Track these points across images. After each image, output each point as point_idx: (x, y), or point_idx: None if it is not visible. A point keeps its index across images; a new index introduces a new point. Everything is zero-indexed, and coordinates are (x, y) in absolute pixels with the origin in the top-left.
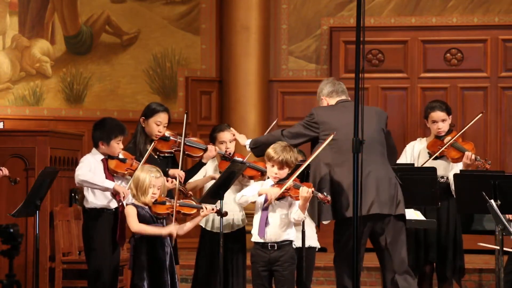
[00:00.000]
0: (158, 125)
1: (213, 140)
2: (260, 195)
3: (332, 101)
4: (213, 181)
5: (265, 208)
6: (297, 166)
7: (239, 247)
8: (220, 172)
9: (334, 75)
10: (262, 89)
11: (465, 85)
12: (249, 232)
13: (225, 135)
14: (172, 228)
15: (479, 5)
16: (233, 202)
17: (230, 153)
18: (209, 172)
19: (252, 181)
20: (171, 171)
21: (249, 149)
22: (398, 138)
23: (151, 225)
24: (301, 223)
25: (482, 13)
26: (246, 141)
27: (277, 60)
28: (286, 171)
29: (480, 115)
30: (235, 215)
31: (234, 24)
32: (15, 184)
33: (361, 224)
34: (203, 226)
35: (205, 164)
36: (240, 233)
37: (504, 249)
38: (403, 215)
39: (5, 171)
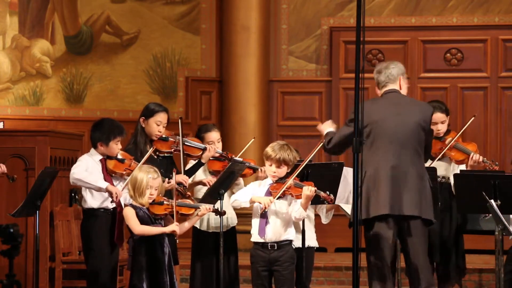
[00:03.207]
0: (158, 125)
1: (200, 140)
2: (252, 202)
3: (381, 90)
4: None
5: (262, 215)
6: (297, 165)
7: (232, 246)
8: (209, 171)
9: (334, 75)
10: (262, 89)
11: (465, 85)
12: (240, 232)
13: (213, 135)
14: (175, 226)
15: (479, 5)
16: (226, 201)
17: (226, 152)
18: (200, 172)
19: (241, 179)
20: (177, 178)
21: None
22: None
23: (151, 225)
24: (301, 223)
25: (482, 13)
26: (327, 129)
27: (277, 60)
28: (284, 169)
29: (473, 118)
30: (228, 214)
31: (234, 24)
32: (12, 182)
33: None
34: (198, 227)
35: (204, 164)
36: (232, 232)
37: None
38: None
39: (3, 168)
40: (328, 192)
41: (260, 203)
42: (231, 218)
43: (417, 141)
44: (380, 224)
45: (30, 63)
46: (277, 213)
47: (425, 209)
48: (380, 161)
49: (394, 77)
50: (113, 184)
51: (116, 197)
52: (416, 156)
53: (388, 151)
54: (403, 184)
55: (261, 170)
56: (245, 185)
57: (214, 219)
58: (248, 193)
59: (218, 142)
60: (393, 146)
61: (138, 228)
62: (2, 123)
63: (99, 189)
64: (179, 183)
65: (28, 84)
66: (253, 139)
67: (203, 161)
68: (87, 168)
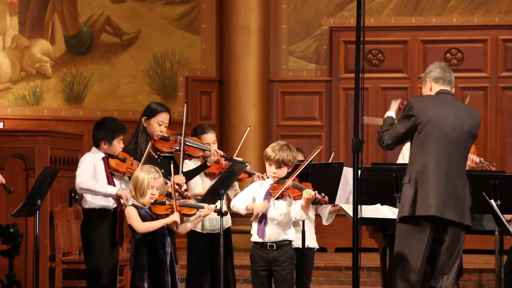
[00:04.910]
0: (160, 125)
1: None
2: (248, 211)
3: (436, 87)
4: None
5: (261, 218)
6: (297, 166)
7: (227, 247)
8: (205, 173)
9: (334, 75)
10: (262, 89)
11: (465, 85)
12: (240, 232)
13: (208, 137)
14: (175, 216)
15: (479, 5)
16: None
17: (227, 153)
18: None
19: (236, 183)
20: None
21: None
22: None
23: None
24: (301, 223)
25: (482, 13)
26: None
27: (277, 60)
28: (284, 170)
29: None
30: None
31: (234, 24)
32: (9, 194)
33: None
34: (193, 228)
35: (209, 166)
36: (226, 233)
37: None
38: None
39: (1, 179)
40: (323, 194)
41: (254, 210)
42: (226, 219)
43: (465, 147)
44: (423, 224)
45: (30, 63)
46: (276, 213)
47: (466, 215)
48: (430, 161)
49: (453, 82)
50: (114, 183)
51: (127, 200)
52: (463, 162)
53: (441, 153)
54: (451, 189)
55: (258, 176)
56: (240, 189)
57: (209, 221)
58: (248, 194)
59: (214, 143)
60: (447, 149)
61: (141, 225)
62: (2, 123)
63: (109, 195)
64: (180, 186)
65: (28, 84)
66: (249, 128)
67: (208, 164)
68: (91, 171)
